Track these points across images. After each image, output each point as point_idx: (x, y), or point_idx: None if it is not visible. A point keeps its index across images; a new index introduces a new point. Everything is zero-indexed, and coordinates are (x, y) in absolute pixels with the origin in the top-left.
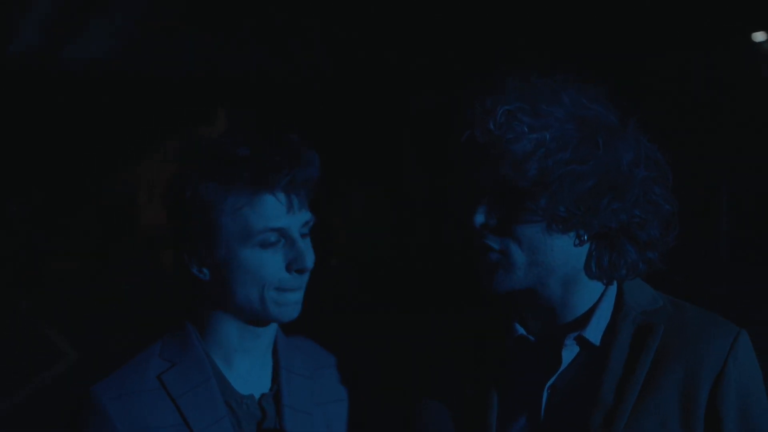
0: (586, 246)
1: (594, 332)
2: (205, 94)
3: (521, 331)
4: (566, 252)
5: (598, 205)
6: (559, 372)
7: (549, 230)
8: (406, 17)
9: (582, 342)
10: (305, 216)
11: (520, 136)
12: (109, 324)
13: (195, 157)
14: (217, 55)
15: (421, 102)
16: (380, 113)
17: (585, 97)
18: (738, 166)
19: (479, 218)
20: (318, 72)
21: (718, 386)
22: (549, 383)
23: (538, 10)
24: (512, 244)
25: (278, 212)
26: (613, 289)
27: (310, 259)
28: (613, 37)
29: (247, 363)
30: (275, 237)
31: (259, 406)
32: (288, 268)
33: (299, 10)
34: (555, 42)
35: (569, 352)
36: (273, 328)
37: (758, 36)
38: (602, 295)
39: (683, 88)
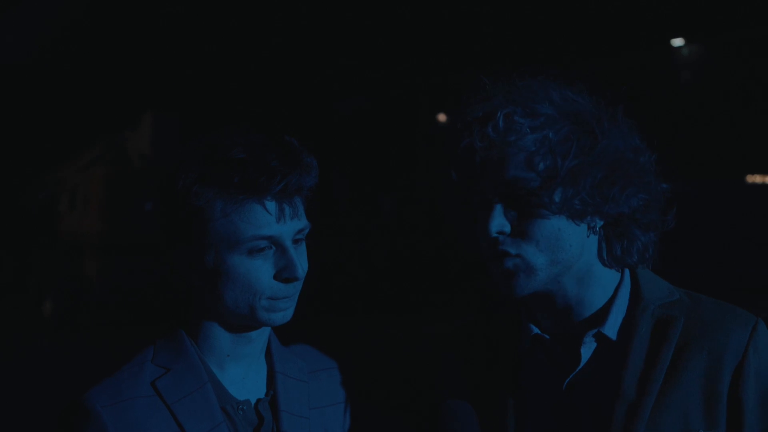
0: (596, 237)
1: (612, 328)
2: (130, 97)
3: (536, 330)
4: (581, 245)
5: (611, 193)
6: (578, 369)
7: (563, 226)
8: (332, 22)
9: (600, 338)
10: (299, 224)
11: (522, 136)
12: (29, 332)
13: (190, 157)
14: (141, 59)
15: (346, 106)
16: (306, 118)
17: (571, 93)
18: (672, 169)
19: (494, 227)
20: (244, 77)
21: (739, 375)
22: (568, 380)
23: (455, 18)
24: (530, 246)
25: (267, 220)
26: (626, 283)
27: (300, 268)
28: (537, 44)
29: (241, 368)
30: (265, 244)
31: (255, 411)
32: (277, 277)
33: (217, 11)
34: (465, 47)
35: (587, 348)
36: (266, 332)
37: (677, 42)
38: (617, 289)
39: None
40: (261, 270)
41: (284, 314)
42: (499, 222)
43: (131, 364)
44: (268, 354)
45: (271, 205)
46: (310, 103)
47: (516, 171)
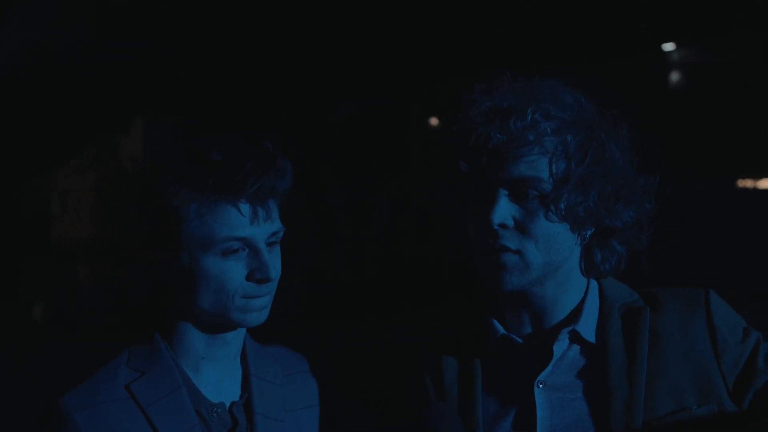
0: (581, 245)
1: (585, 327)
2: (121, 100)
3: (502, 330)
4: (570, 250)
5: (615, 207)
6: (550, 366)
7: (562, 230)
8: (325, 28)
9: (573, 336)
10: (272, 226)
11: (542, 137)
12: (20, 337)
13: (168, 159)
14: (135, 60)
15: (342, 110)
16: (300, 123)
17: (583, 99)
18: (669, 174)
19: (497, 218)
20: (238, 82)
21: (715, 345)
22: (538, 378)
23: (449, 22)
24: (529, 243)
25: (241, 222)
26: (594, 285)
27: (273, 270)
28: (524, 46)
29: (216, 371)
30: (238, 245)
31: (230, 413)
32: (249, 277)
33: (212, 14)
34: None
35: (560, 346)
36: (241, 335)
37: (668, 46)
38: (586, 291)
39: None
40: (234, 271)
41: (258, 315)
42: (502, 214)
43: (106, 368)
44: (243, 357)
45: (245, 207)
46: (303, 108)
47: (528, 169)
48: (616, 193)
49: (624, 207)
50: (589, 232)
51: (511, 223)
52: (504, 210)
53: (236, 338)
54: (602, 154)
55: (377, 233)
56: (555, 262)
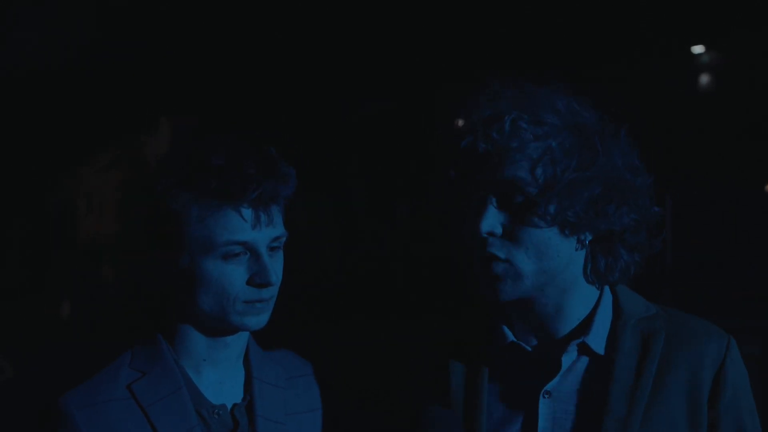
0: (583, 251)
1: (595, 339)
2: (147, 100)
3: (512, 337)
4: (568, 257)
5: (606, 210)
6: (557, 377)
7: (554, 235)
8: (346, 25)
9: (582, 348)
10: (274, 231)
11: (526, 143)
12: (47, 339)
13: (171, 162)
14: (159, 60)
15: (360, 108)
16: (319, 120)
17: (577, 104)
18: (680, 176)
19: (485, 226)
20: (261, 80)
21: (717, 384)
22: (545, 389)
23: (464, 21)
24: (519, 252)
25: (242, 226)
26: (608, 297)
27: (274, 275)
28: (551, 47)
29: (218, 373)
30: (240, 249)
31: (231, 415)
32: (250, 282)
33: (235, 14)
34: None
35: (568, 358)
36: (243, 337)
37: (697, 49)
38: (598, 302)
39: (623, 99)
40: (234, 274)
41: (258, 319)
42: (490, 222)
43: (109, 368)
44: (246, 359)
45: (247, 211)
46: (326, 106)
47: (514, 175)
48: (608, 197)
49: (616, 209)
50: (587, 238)
51: (499, 230)
52: (492, 218)
53: (237, 341)
54: (593, 159)
55: (399, 234)
56: (550, 269)
